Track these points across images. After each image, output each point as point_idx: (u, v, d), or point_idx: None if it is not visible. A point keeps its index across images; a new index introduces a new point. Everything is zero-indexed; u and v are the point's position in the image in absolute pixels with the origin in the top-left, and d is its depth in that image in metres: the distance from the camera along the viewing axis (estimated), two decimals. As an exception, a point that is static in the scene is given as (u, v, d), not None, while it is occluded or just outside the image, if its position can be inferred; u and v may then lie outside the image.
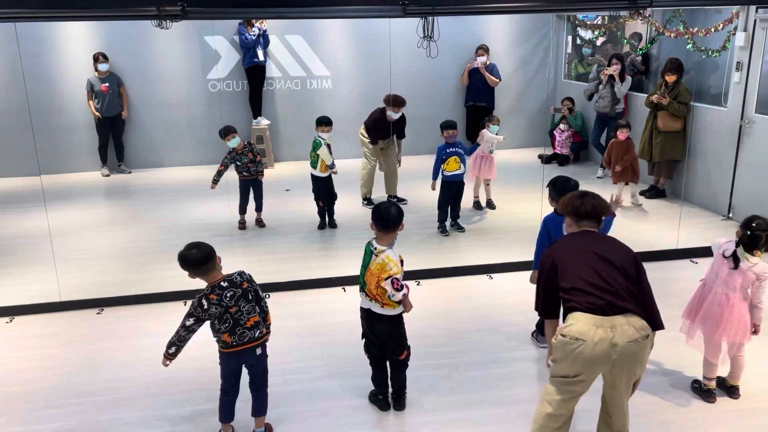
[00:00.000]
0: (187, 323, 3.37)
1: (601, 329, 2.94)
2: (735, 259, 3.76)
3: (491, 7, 5.71)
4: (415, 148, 9.60)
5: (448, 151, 6.60)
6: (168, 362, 3.46)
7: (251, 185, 6.95)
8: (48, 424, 3.83)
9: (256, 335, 3.46)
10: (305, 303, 5.35)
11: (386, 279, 3.56)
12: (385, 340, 3.77)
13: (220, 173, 6.80)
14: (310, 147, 6.88)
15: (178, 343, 3.41)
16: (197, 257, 3.33)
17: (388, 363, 3.88)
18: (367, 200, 7.82)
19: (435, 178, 6.73)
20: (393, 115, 7.35)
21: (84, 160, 9.63)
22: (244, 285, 3.42)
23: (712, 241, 3.98)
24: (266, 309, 3.58)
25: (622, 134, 7.38)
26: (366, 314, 3.78)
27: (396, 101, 7.30)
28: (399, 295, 3.59)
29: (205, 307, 3.35)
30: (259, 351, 3.51)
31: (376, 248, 3.63)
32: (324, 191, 6.95)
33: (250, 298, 3.44)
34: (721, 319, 3.81)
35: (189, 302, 5.21)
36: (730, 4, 6.76)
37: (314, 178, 6.91)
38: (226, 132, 6.73)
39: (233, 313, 3.38)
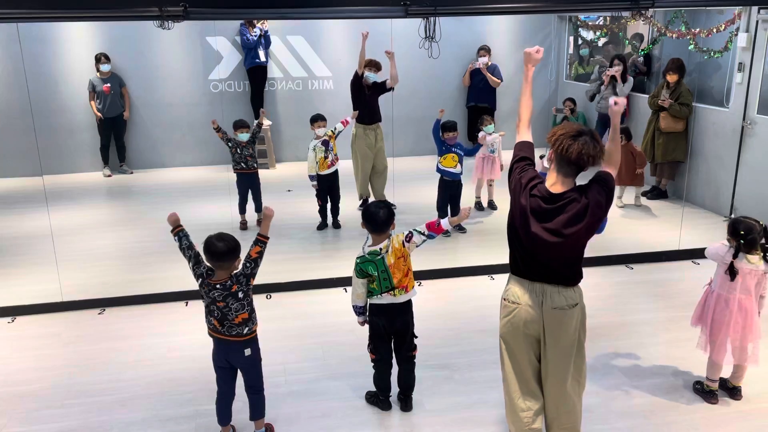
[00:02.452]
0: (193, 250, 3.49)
1: None
2: (732, 272, 3.74)
3: (493, 8, 5.71)
4: (415, 149, 9.61)
5: (447, 146, 6.60)
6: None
7: (248, 183, 6.94)
8: (49, 425, 3.83)
9: (244, 332, 3.46)
10: (306, 303, 5.35)
11: (407, 243, 3.65)
12: (402, 336, 3.77)
13: (233, 158, 6.80)
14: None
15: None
16: (221, 250, 3.34)
17: (395, 362, 3.87)
18: (364, 201, 7.78)
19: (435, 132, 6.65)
20: (370, 76, 7.25)
21: (86, 160, 9.64)
22: (233, 288, 3.40)
23: (708, 252, 3.91)
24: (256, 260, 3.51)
25: None
26: (388, 311, 3.71)
27: (373, 62, 7.21)
28: (423, 232, 3.68)
29: (200, 271, 3.42)
30: (248, 352, 3.49)
31: (380, 249, 3.62)
32: (326, 190, 6.95)
33: (240, 296, 3.42)
34: (735, 323, 3.80)
35: (190, 303, 5.27)
36: (732, 4, 6.75)
37: (318, 176, 6.94)
38: (240, 125, 6.77)
39: (221, 307, 3.39)
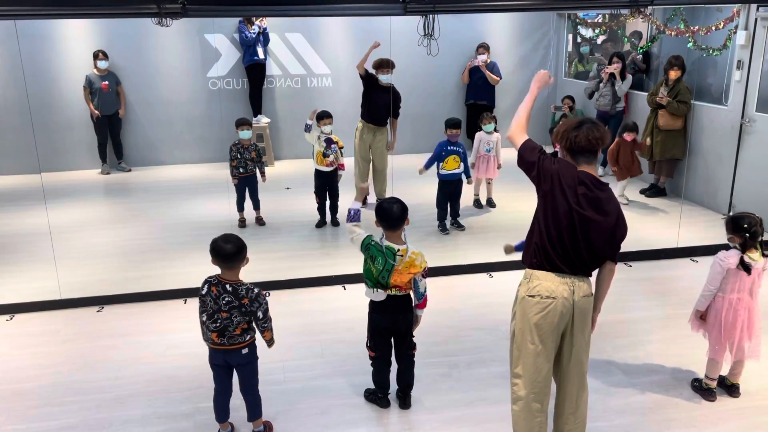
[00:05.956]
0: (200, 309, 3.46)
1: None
2: (746, 266, 3.74)
3: (492, 5, 5.70)
4: (415, 146, 9.60)
5: (448, 149, 6.59)
6: None
7: (246, 183, 6.95)
8: (48, 422, 3.83)
9: (246, 338, 3.46)
10: (305, 301, 5.35)
11: (418, 278, 3.64)
12: (404, 335, 3.76)
13: (234, 167, 6.82)
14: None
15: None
16: (229, 252, 3.36)
17: (395, 361, 3.87)
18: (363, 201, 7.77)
19: (426, 167, 6.70)
20: (384, 78, 7.25)
21: (84, 157, 9.62)
22: (243, 301, 3.38)
23: (718, 260, 3.85)
24: (264, 327, 3.46)
25: (628, 136, 7.33)
26: (390, 308, 3.67)
27: (387, 62, 7.20)
28: (424, 282, 3.67)
29: (203, 292, 3.40)
30: (245, 351, 3.48)
31: (398, 249, 3.56)
32: (324, 187, 6.95)
33: (244, 312, 3.40)
34: (743, 323, 3.81)
35: (189, 300, 5.27)
36: (731, 2, 6.75)
37: (316, 173, 6.93)
38: (241, 123, 6.79)
39: (224, 318, 3.38)
